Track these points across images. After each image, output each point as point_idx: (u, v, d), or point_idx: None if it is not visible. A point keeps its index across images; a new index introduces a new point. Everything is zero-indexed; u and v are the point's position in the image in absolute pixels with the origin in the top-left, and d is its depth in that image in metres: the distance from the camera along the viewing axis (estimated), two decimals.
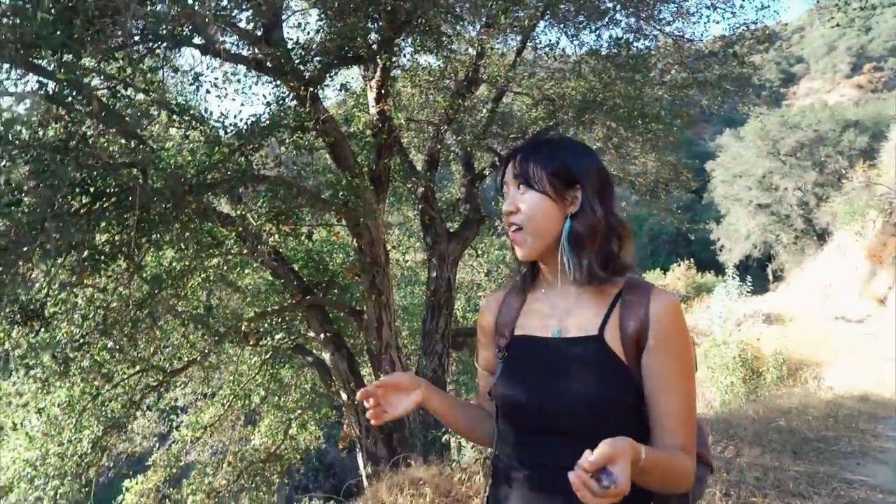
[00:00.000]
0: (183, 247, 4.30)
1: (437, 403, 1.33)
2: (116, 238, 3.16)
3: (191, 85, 5.03)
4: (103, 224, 3.27)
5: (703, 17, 6.04)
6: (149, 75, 4.25)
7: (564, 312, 1.25)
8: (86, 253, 3.00)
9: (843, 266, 21.84)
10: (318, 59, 4.63)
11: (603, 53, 5.74)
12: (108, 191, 3.63)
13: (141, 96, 4.43)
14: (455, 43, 6.69)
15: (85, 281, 3.21)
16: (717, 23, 6.12)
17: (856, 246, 20.95)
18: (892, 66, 62.85)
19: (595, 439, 0.98)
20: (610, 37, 5.43)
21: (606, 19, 5.84)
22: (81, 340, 3.38)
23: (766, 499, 4.18)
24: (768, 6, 6.21)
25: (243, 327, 5.58)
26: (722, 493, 4.17)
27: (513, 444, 1.24)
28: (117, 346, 3.84)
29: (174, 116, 4.11)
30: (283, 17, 4.93)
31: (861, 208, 21.09)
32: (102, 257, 3.06)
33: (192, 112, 4.41)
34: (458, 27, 5.92)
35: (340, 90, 5.06)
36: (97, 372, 4.15)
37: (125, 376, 5.55)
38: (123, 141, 4.65)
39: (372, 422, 1.27)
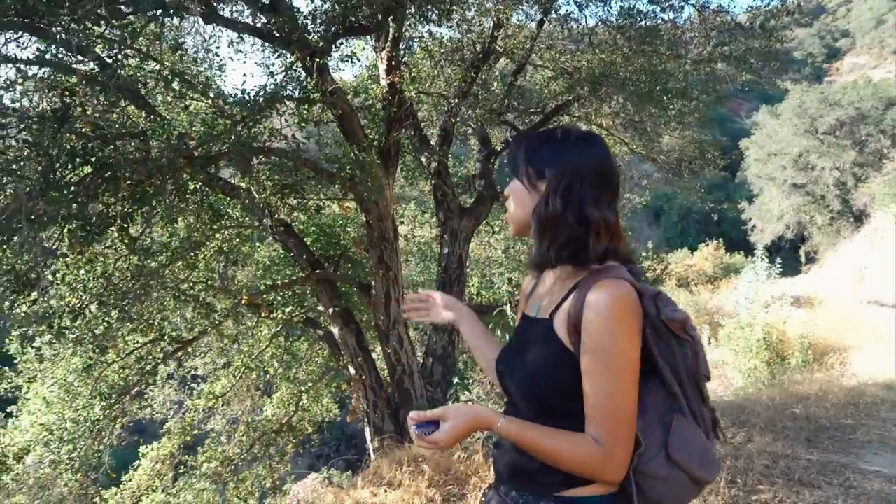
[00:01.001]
0: (177, 218, 4.31)
1: (469, 329, 1.60)
2: (110, 209, 3.15)
3: (197, 54, 4.99)
4: (98, 194, 3.25)
5: None
6: (154, 44, 4.21)
7: (548, 293, 1.35)
8: (75, 223, 2.99)
9: (880, 249, 21.13)
10: (323, 28, 4.52)
11: (616, 24, 5.49)
12: (108, 161, 3.61)
13: (151, 65, 4.42)
14: (470, 12, 6.54)
15: (76, 251, 3.22)
16: None
17: (893, 228, 20.22)
18: None
19: (540, 413, 1.25)
20: (622, 8, 5.17)
21: None
22: (77, 310, 3.41)
23: (774, 487, 4.07)
24: None
25: (244, 300, 5.59)
26: (727, 481, 4.07)
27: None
28: (120, 316, 3.87)
29: (176, 85, 4.07)
30: None
31: None
32: (92, 228, 3.05)
33: (195, 81, 4.36)
34: None
35: (347, 61, 4.94)
36: (106, 340, 4.20)
37: (137, 345, 5.65)
38: (133, 109, 4.68)
39: (404, 315, 1.66)
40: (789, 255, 30.74)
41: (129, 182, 3.47)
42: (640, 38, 5.34)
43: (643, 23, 5.47)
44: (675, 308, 1.26)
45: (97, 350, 4.30)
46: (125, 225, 3.36)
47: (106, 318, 3.67)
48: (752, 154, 33.14)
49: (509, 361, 1.38)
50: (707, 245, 29.06)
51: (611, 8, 5.44)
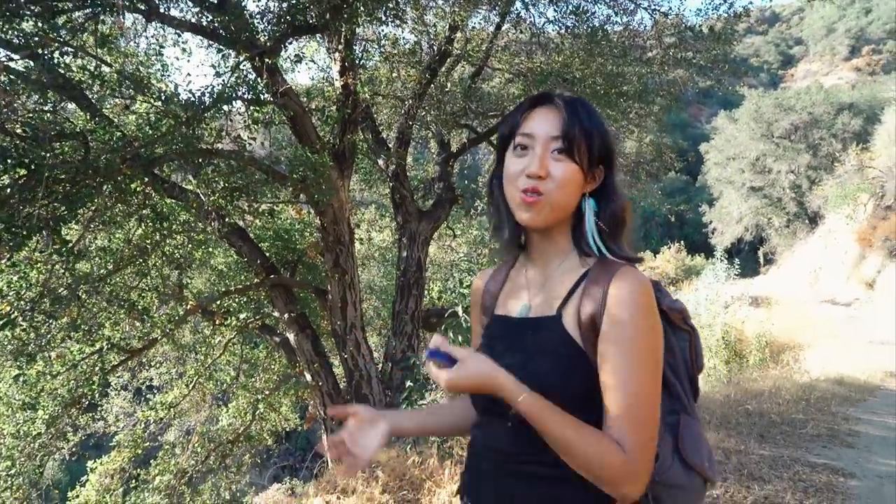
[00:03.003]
0: (119, 222, 4.17)
1: (409, 424, 1.29)
2: (39, 213, 3.01)
3: (141, 53, 4.85)
4: (31, 198, 3.11)
5: None
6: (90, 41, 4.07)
7: (538, 289, 1.17)
8: (1, 226, 2.85)
9: (833, 250, 21.83)
10: (271, 27, 4.44)
11: (566, 24, 5.54)
12: (42, 163, 3.46)
13: (93, 63, 4.27)
14: (427, 15, 6.52)
15: (2, 257, 3.07)
16: None
17: (846, 229, 20.92)
18: (891, 48, 62.45)
19: None
20: (572, 7, 5.21)
21: None
22: (6, 318, 3.25)
23: (726, 483, 4.11)
24: None
25: (190, 307, 5.44)
26: None
27: (476, 427, 1.21)
28: (47, 323, 3.71)
29: (116, 84, 3.93)
30: None
31: (853, 192, 21.06)
32: (18, 231, 2.91)
33: (139, 80, 4.22)
34: None
35: (297, 61, 4.86)
36: (39, 349, 4.02)
37: (83, 355, 5.44)
38: (74, 109, 4.52)
39: (346, 476, 1.28)
40: (749, 256, 31.55)
41: (63, 184, 3.33)
42: (590, 39, 5.36)
43: (594, 23, 5.50)
44: (672, 298, 1.18)
45: (27, 360, 4.11)
46: (57, 228, 3.21)
47: (33, 326, 3.50)
48: (711, 158, 33.97)
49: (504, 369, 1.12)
50: (669, 247, 29.61)
51: (558, 8, 5.45)
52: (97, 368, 5.51)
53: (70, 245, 3.54)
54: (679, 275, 25.73)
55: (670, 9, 5.99)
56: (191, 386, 6.75)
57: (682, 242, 30.40)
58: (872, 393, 7.56)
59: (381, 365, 6.70)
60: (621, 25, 6.23)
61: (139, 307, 5.13)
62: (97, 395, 6.12)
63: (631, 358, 1.00)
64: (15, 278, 3.54)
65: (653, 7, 5.93)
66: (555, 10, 5.70)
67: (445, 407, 1.38)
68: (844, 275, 20.41)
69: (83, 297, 4.12)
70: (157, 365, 8.08)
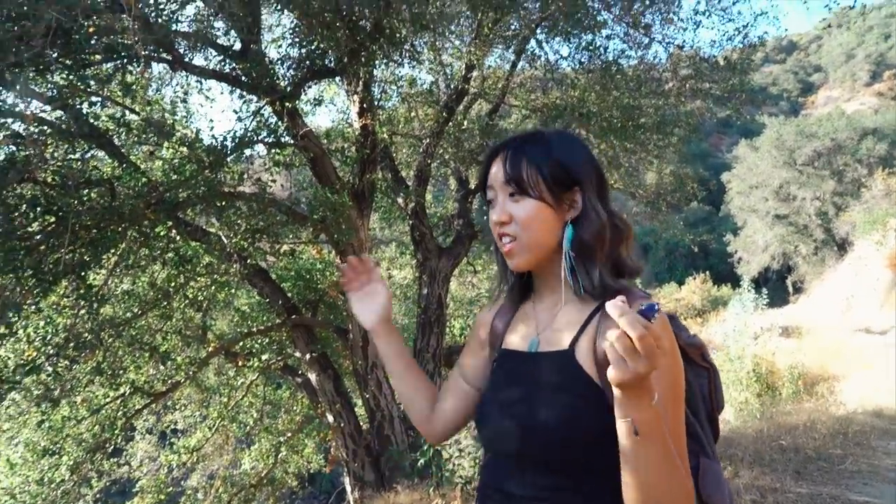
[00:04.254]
0: (143, 266, 4.24)
1: (389, 344, 1.35)
2: (66, 258, 3.07)
3: (167, 101, 5.00)
4: (59, 244, 3.17)
5: (692, 24, 5.86)
6: (116, 91, 4.20)
7: (546, 325, 1.14)
8: (28, 273, 2.91)
9: (864, 276, 21.28)
10: (292, 73, 4.56)
11: (580, 60, 5.59)
12: (70, 210, 3.54)
13: (119, 112, 4.41)
14: (444, 55, 6.65)
15: (27, 302, 3.12)
16: (710, 29, 5.95)
17: (877, 255, 20.42)
18: None
19: (555, 465, 0.99)
20: (585, 43, 5.26)
21: (602, 31, 5.77)
22: (31, 364, 3.29)
23: None
24: (766, 12, 5.95)
25: (211, 348, 5.46)
26: None
27: (485, 466, 1.16)
28: (70, 368, 3.75)
29: (142, 131, 4.05)
30: (260, 32, 4.88)
31: (881, 217, 20.64)
32: (45, 277, 2.96)
33: (165, 128, 4.34)
34: (441, 40, 5.84)
35: (316, 104, 4.97)
36: (63, 395, 4.06)
37: (107, 399, 5.47)
38: (101, 156, 4.65)
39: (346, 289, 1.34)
40: (777, 285, 30.89)
41: (88, 230, 3.40)
42: (604, 73, 5.40)
43: (608, 58, 5.55)
44: (690, 333, 1.14)
45: (50, 405, 4.13)
46: (82, 273, 3.27)
47: (56, 371, 3.54)
48: (734, 187, 33.65)
49: (517, 413, 1.07)
50: (694, 278, 29.15)
51: (571, 44, 5.52)
52: (121, 412, 5.54)
53: (95, 290, 3.59)
54: (705, 306, 25.25)
55: (685, 42, 6.01)
56: (214, 429, 6.73)
57: (707, 273, 29.91)
58: None
59: (403, 405, 6.63)
60: (636, 59, 6.27)
61: (162, 350, 5.17)
62: (121, 440, 6.14)
63: (660, 394, 0.92)
64: (41, 324, 3.59)
65: (667, 41, 5.97)
66: (568, 47, 5.77)
67: (422, 378, 1.36)
68: (877, 302, 19.84)
69: (107, 340, 4.16)
70: (181, 408, 8.09)
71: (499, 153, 1.14)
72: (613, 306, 0.80)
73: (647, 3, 5.50)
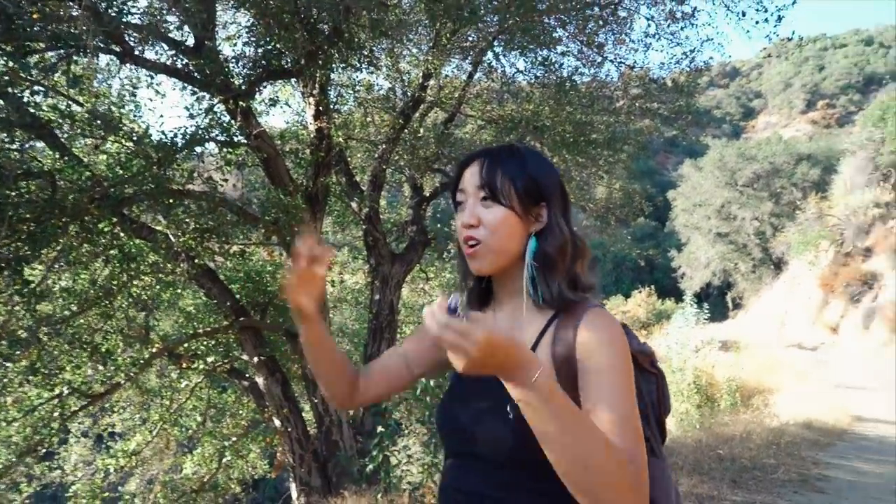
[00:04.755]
0: (85, 262, 4.10)
1: (320, 331, 1.23)
2: (2, 251, 2.94)
3: (117, 94, 4.86)
4: None
5: (643, 46, 6.09)
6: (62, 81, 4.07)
7: (506, 332, 1.10)
8: None
9: (798, 295, 22.33)
10: (246, 71, 4.50)
11: (535, 75, 5.73)
12: (7, 202, 3.40)
13: (65, 103, 4.25)
14: (402, 62, 6.69)
15: None
16: (659, 51, 6.18)
17: (809, 275, 21.46)
18: (844, 103, 65.63)
19: (516, 464, 1.02)
20: (541, 58, 5.40)
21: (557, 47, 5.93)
22: None
23: None
24: (712, 39, 6.23)
25: (154, 349, 5.31)
26: None
27: (446, 467, 1.18)
28: (21, 367, 3.58)
29: (87, 125, 3.92)
30: (215, 29, 4.80)
31: (814, 238, 21.70)
32: None
33: (112, 121, 4.21)
34: (399, 47, 5.88)
35: (271, 105, 4.92)
36: (4, 394, 3.87)
37: (41, 400, 5.23)
38: (42, 148, 4.48)
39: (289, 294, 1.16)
40: (717, 300, 32.06)
41: (27, 223, 3.27)
42: (559, 89, 5.54)
43: (562, 74, 5.69)
44: (640, 341, 1.19)
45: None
46: (19, 268, 3.14)
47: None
48: (679, 204, 34.80)
49: (472, 413, 1.10)
50: (640, 292, 29.94)
51: (527, 58, 5.65)
52: (56, 414, 5.30)
53: (32, 286, 3.45)
54: (650, 319, 25.96)
55: (635, 62, 6.24)
56: (154, 432, 6.51)
57: (652, 287, 30.78)
58: (840, 437, 7.63)
59: (352, 410, 6.57)
60: (589, 76, 6.46)
61: (103, 350, 4.98)
62: (55, 443, 5.87)
63: (613, 382, 0.99)
64: None
65: (619, 60, 6.18)
66: (525, 61, 5.90)
67: (341, 357, 1.29)
68: (809, 319, 20.84)
69: (44, 339, 4.00)
70: (120, 410, 7.78)
71: (474, 160, 1.18)
72: (425, 313, 0.86)
73: (601, 22, 5.68)
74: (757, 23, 5.25)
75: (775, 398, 11.28)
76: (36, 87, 3.74)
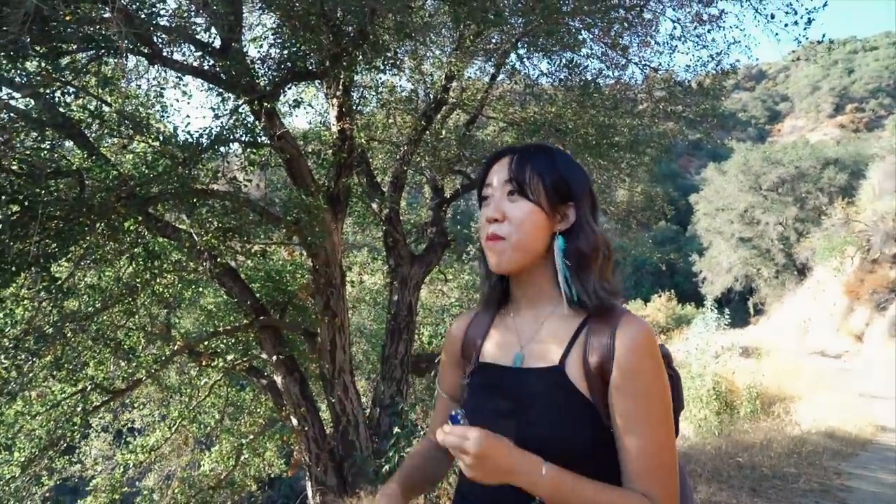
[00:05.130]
0: (110, 260, 4.17)
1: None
2: (30, 248, 2.99)
3: (142, 94, 4.93)
4: (23, 234, 3.10)
5: (668, 48, 6.02)
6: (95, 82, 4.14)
7: (529, 338, 1.13)
8: None
9: (822, 301, 21.92)
10: (271, 73, 4.54)
11: (558, 77, 5.70)
12: (37, 200, 3.47)
13: (94, 103, 4.32)
14: (424, 64, 6.70)
15: None
16: (685, 54, 6.11)
17: (834, 282, 21.06)
18: (874, 107, 64.31)
19: None
20: (566, 61, 5.37)
21: (581, 50, 5.89)
22: None
23: None
24: (739, 41, 6.14)
25: (176, 347, 5.37)
26: None
27: (466, 478, 1.12)
28: (30, 361, 3.64)
29: (115, 125, 3.99)
30: (241, 31, 4.85)
31: (840, 244, 21.28)
32: (7, 268, 2.89)
33: (140, 121, 4.27)
34: (423, 49, 5.88)
35: (295, 106, 4.95)
36: (21, 388, 3.94)
37: (64, 395, 5.32)
38: (71, 147, 4.56)
39: None
40: (738, 306, 31.59)
41: (56, 221, 3.33)
42: (582, 91, 5.50)
43: (586, 76, 5.66)
44: (659, 343, 1.16)
45: (7, 399, 4.01)
46: (47, 265, 3.19)
47: (15, 364, 3.43)
48: (701, 209, 34.41)
49: (500, 421, 1.06)
50: (660, 296, 29.65)
51: (551, 61, 5.62)
52: (79, 409, 5.39)
53: (59, 282, 3.51)
54: (670, 323, 25.70)
55: (660, 65, 6.17)
56: (174, 429, 6.59)
57: (672, 291, 30.47)
58: (864, 447, 7.48)
59: (368, 410, 6.60)
60: (613, 79, 6.41)
61: (125, 346, 5.06)
62: (77, 437, 5.97)
63: (650, 411, 0.99)
64: (0, 315, 3.49)
65: (643, 63, 6.12)
66: (548, 63, 5.88)
67: (420, 467, 1.26)
68: (833, 327, 20.46)
69: (69, 335, 4.06)
70: (141, 406, 7.90)
71: (502, 157, 1.16)
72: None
73: (626, 25, 5.62)
74: (786, 25, 5.15)
75: (797, 406, 11.09)
76: (67, 88, 3.80)
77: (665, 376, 1.03)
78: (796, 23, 5.04)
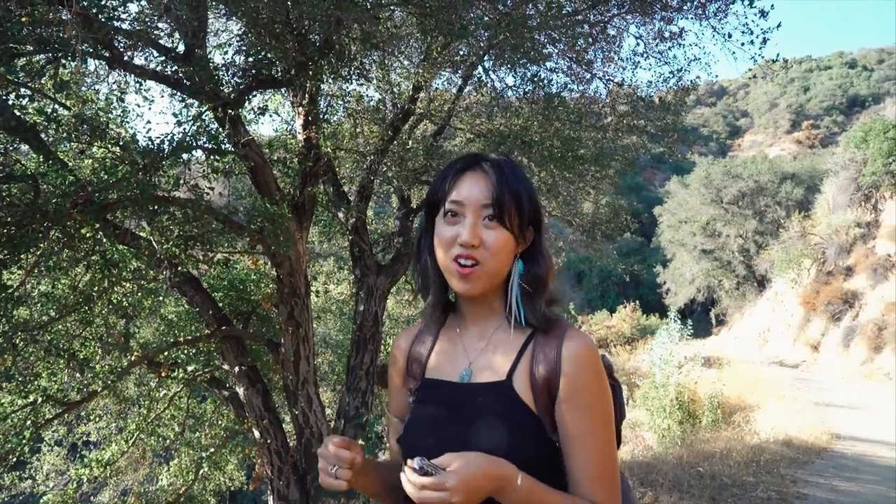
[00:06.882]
0: (65, 268, 4.06)
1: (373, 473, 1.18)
2: None
3: (105, 99, 4.82)
4: None
5: (631, 64, 6.16)
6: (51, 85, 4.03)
7: (477, 353, 1.14)
8: None
9: (780, 312, 22.55)
10: (236, 80, 4.49)
11: (524, 90, 5.78)
12: None
13: (51, 106, 4.21)
14: (392, 74, 6.71)
15: None
16: (647, 70, 6.26)
17: (792, 293, 21.69)
18: (828, 124, 66.80)
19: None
20: (530, 74, 5.45)
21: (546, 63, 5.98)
22: None
23: None
24: (699, 58, 6.31)
25: (134, 357, 5.24)
26: None
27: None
28: None
29: (73, 129, 3.88)
30: (206, 37, 4.79)
31: (797, 257, 21.98)
32: None
33: (98, 126, 4.17)
34: (390, 60, 5.90)
35: (260, 113, 4.91)
36: None
37: (14, 407, 5.12)
38: (26, 151, 4.43)
39: (340, 484, 1.03)
40: (701, 317, 32.30)
41: (7, 227, 3.22)
42: (547, 104, 5.59)
43: (551, 90, 5.74)
44: (602, 354, 1.19)
45: None
46: None
47: None
48: (664, 221, 35.18)
49: (448, 437, 1.07)
50: (625, 307, 30.12)
51: (516, 74, 5.70)
52: (29, 422, 5.19)
53: (10, 290, 3.39)
54: (634, 334, 26.07)
55: (624, 80, 6.31)
56: (131, 442, 6.39)
57: (637, 302, 30.97)
58: (819, 455, 7.70)
59: (333, 422, 6.52)
60: (578, 93, 6.51)
61: (80, 357, 4.90)
62: (27, 451, 5.75)
63: (594, 422, 1.03)
64: None
65: (607, 77, 6.24)
66: (514, 76, 5.94)
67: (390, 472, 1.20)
68: (791, 337, 21.06)
69: (19, 345, 3.92)
70: (96, 419, 7.66)
71: (472, 168, 1.12)
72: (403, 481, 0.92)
73: (590, 40, 5.73)
74: (742, 44, 5.32)
75: (756, 415, 11.36)
76: (22, 90, 3.70)
77: (608, 389, 1.08)
78: (752, 42, 5.21)
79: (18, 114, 3.88)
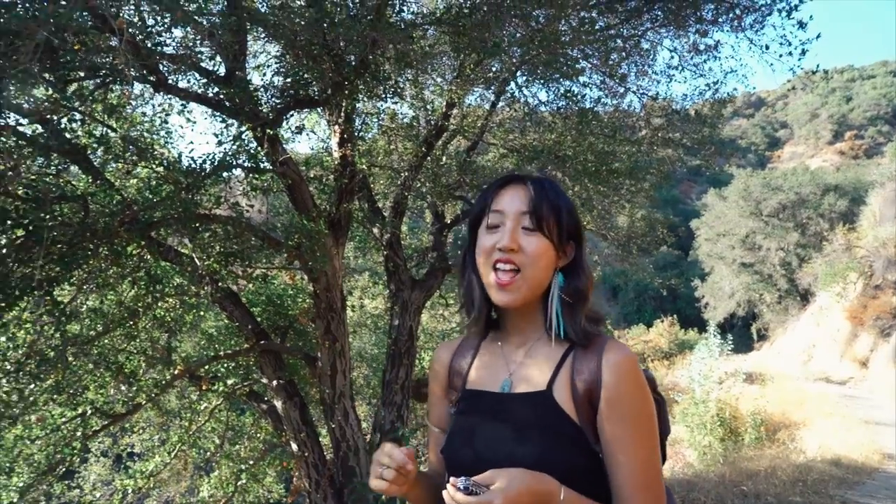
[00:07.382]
0: (112, 284, 4.21)
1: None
2: (35, 272, 3.03)
3: (150, 121, 5.01)
4: (27, 258, 3.14)
5: (666, 77, 6.12)
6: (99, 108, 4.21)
7: (517, 365, 1.16)
8: None
9: (825, 327, 21.83)
10: (274, 100, 4.62)
11: (557, 105, 5.79)
12: (41, 224, 3.51)
13: (100, 129, 4.40)
14: (425, 91, 6.80)
15: None
16: (682, 83, 6.21)
17: (837, 307, 20.99)
18: (872, 134, 64.78)
19: None
20: (564, 90, 5.46)
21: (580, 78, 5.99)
22: None
23: None
24: (735, 70, 6.24)
25: (177, 371, 5.37)
26: None
27: None
28: (32, 384, 3.65)
29: (120, 151, 4.05)
30: (245, 60, 4.95)
31: (842, 270, 21.28)
32: (10, 292, 2.92)
33: (144, 147, 4.34)
34: (423, 77, 5.99)
35: (297, 132, 5.03)
36: (20, 412, 3.93)
37: (64, 419, 5.30)
38: (76, 171, 4.62)
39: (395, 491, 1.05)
40: (742, 332, 31.48)
41: (60, 246, 3.37)
42: (580, 119, 5.59)
43: (584, 105, 5.74)
44: (644, 368, 1.21)
45: (8, 423, 4.01)
46: (50, 289, 3.23)
47: (17, 388, 3.45)
48: (702, 234, 34.52)
49: (490, 446, 1.09)
50: (662, 321, 29.55)
51: (549, 90, 5.72)
52: (78, 433, 5.37)
53: (62, 306, 3.54)
54: (672, 349, 25.56)
55: (658, 93, 6.28)
56: (173, 454, 6.54)
57: (675, 316, 30.38)
58: (870, 475, 7.40)
59: (369, 436, 6.56)
60: (611, 107, 6.50)
61: (126, 370, 5.06)
62: (76, 462, 5.93)
63: (636, 431, 1.03)
64: (2, 339, 3.51)
65: (641, 91, 6.22)
66: (547, 92, 5.96)
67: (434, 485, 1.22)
68: (837, 353, 20.34)
69: (70, 358, 4.08)
70: (140, 431, 7.86)
71: (513, 183, 1.17)
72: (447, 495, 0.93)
73: (624, 55, 5.73)
74: (780, 56, 5.25)
75: (802, 433, 10.99)
76: (73, 115, 3.88)
77: (650, 398, 1.08)
78: (790, 53, 5.14)
79: (70, 136, 4.07)
